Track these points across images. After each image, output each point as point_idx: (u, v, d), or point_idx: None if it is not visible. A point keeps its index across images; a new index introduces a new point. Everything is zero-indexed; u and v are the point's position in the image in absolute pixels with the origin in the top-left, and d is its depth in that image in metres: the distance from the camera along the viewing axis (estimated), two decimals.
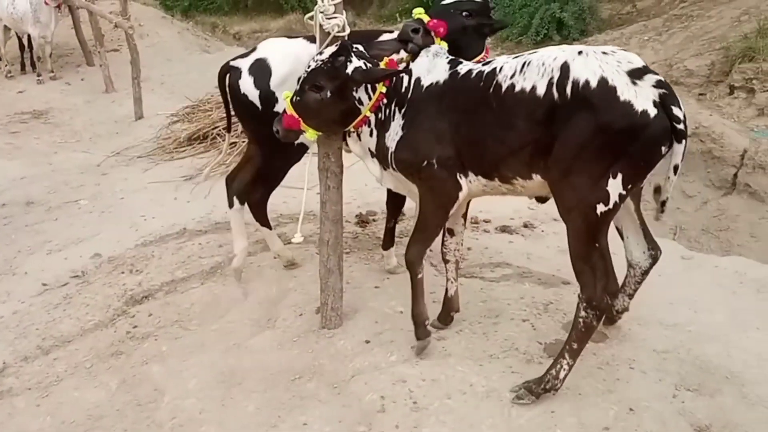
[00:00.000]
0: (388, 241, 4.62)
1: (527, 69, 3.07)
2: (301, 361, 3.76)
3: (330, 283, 3.94)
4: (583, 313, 3.18)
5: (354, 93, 3.46)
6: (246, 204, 4.60)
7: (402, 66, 3.52)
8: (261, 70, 4.19)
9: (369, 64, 3.43)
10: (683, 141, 2.90)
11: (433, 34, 3.60)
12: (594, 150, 2.91)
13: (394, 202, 4.53)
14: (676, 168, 2.97)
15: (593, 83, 2.87)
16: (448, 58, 3.50)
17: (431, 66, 3.47)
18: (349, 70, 3.38)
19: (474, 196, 3.56)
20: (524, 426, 3.17)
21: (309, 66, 3.44)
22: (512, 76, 3.11)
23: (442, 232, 3.86)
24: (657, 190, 3.15)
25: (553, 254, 4.85)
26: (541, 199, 3.64)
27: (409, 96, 3.47)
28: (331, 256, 3.90)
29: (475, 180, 3.40)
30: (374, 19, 17.73)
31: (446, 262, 3.90)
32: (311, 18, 3.57)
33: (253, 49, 4.38)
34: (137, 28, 10.57)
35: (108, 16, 10.35)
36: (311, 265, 4.54)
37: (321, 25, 3.50)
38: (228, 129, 4.84)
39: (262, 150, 4.40)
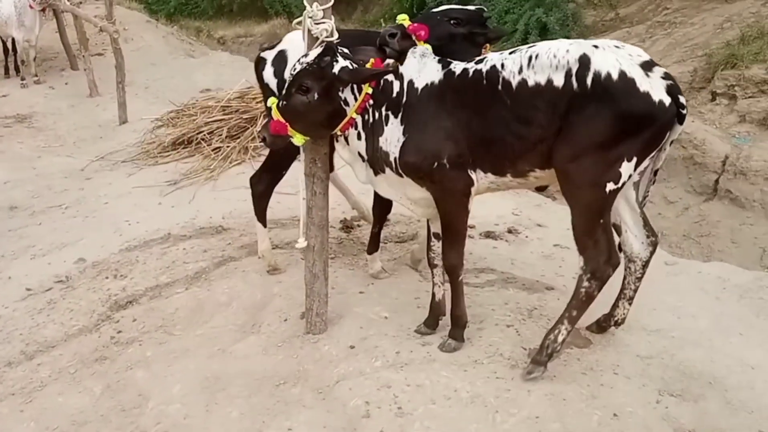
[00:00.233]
0: (373, 245, 4.63)
1: (536, 63, 3.19)
2: (285, 367, 3.76)
3: (315, 288, 3.94)
4: (585, 284, 3.38)
5: (340, 94, 3.46)
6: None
7: (390, 66, 3.53)
8: (281, 61, 4.33)
9: (355, 65, 3.44)
10: (683, 122, 3.22)
11: (414, 37, 3.61)
12: (613, 135, 3.11)
13: (381, 207, 4.55)
14: (671, 141, 3.29)
15: (615, 75, 3.07)
16: (435, 58, 3.53)
17: (421, 66, 3.50)
18: (336, 69, 3.39)
19: (476, 194, 3.57)
20: (509, 431, 3.18)
21: (294, 69, 3.45)
22: (520, 72, 3.22)
23: (428, 236, 3.88)
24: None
25: (537, 260, 4.87)
26: (542, 188, 3.82)
27: (404, 99, 3.48)
28: (317, 261, 3.90)
29: (483, 178, 3.47)
30: (359, 24, 17.75)
31: (433, 266, 3.91)
32: (300, 23, 3.57)
33: (280, 41, 4.49)
34: (122, 32, 10.54)
35: (93, 20, 10.32)
36: (296, 270, 4.53)
37: (309, 30, 3.50)
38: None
39: None
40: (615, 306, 3.80)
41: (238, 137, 7.32)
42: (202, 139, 7.40)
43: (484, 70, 3.35)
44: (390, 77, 3.51)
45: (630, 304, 3.77)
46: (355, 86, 3.48)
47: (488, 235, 5.30)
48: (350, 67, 3.41)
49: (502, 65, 3.29)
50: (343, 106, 3.49)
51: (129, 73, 9.89)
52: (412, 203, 3.71)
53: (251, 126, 7.38)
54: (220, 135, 7.37)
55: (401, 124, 3.48)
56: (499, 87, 3.27)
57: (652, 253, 3.66)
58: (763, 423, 3.29)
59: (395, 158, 3.49)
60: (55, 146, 9.01)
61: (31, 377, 3.92)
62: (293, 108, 3.46)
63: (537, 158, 3.32)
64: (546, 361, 3.45)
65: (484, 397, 3.36)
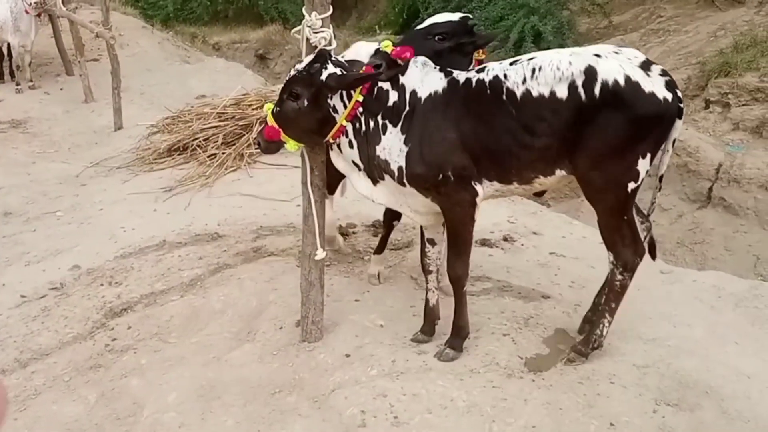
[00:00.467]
0: (381, 247, 4.65)
1: (540, 75, 3.27)
2: (281, 375, 3.75)
3: (311, 296, 3.93)
4: (619, 277, 3.55)
5: (329, 101, 3.47)
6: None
7: (380, 72, 3.51)
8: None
9: (345, 72, 3.45)
10: (682, 116, 3.36)
11: (399, 61, 3.60)
12: (627, 138, 3.25)
13: (392, 212, 4.53)
14: (674, 141, 3.41)
15: (621, 81, 3.18)
16: (437, 67, 3.55)
17: (423, 76, 3.51)
18: (323, 76, 3.40)
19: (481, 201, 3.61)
20: None
21: (288, 75, 3.47)
22: (524, 82, 3.30)
23: (422, 242, 3.89)
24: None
25: (533, 268, 4.87)
26: (540, 194, 3.89)
27: (405, 108, 3.48)
28: (313, 269, 3.90)
29: (489, 185, 3.51)
30: (354, 30, 17.79)
31: (428, 272, 3.91)
32: (298, 32, 3.58)
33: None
34: (117, 38, 10.51)
35: (89, 26, 10.30)
36: (291, 277, 4.52)
37: (308, 39, 3.51)
38: None
39: None
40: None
41: (234, 144, 7.33)
42: (198, 146, 7.40)
43: (486, 80, 3.39)
44: (386, 85, 3.51)
45: None
46: (344, 94, 3.48)
47: (484, 242, 5.30)
48: (338, 73, 3.42)
49: (505, 76, 3.34)
50: (332, 113, 3.49)
51: (124, 78, 9.86)
52: (412, 211, 3.71)
53: (247, 133, 7.38)
54: (216, 141, 7.37)
55: (402, 134, 3.47)
56: (504, 97, 3.32)
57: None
58: None
59: (399, 168, 3.48)
60: (50, 152, 8.98)
61: (25, 385, 3.90)
62: (284, 114, 3.49)
63: (542, 166, 3.42)
64: (589, 353, 3.67)
65: (481, 407, 3.36)
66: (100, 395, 3.76)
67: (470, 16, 4.09)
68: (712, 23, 10.92)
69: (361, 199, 5.68)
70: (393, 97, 3.50)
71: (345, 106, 3.48)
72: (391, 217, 4.65)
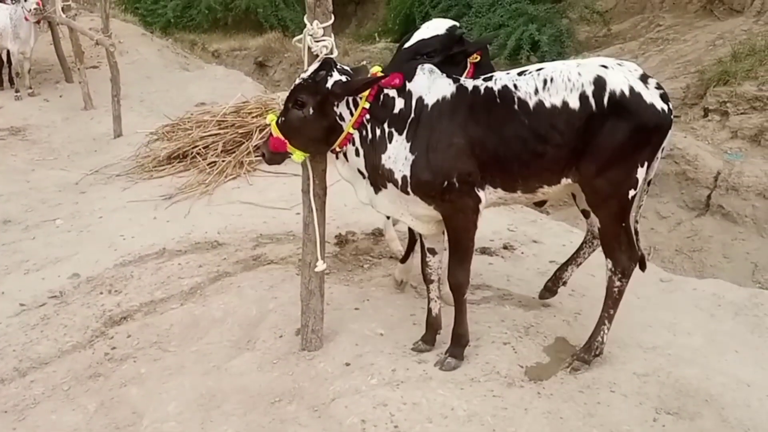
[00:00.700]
0: (407, 256, 4.63)
1: (552, 85, 3.38)
2: (281, 384, 3.74)
3: (311, 305, 3.93)
4: (617, 283, 3.67)
5: (335, 108, 3.46)
6: None
7: (384, 75, 3.52)
8: None
9: (350, 78, 3.45)
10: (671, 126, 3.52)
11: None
12: (630, 147, 3.40)
13: None
14: (663, 149, 3.55)
15: (627, 92, 3.33)
16: (444, 74, 3.56)
17: (430, 83, 3.51)
18: (329, 84, 3.40)
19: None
20: None
21: (293, 84, 3.46)
22: (536, 93, 3.39)
23: (422, 252, 3.89)
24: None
25: (533, 276, 4.87)
26: (541, 203, 4.02)
27: (411, 116, 3.48)
28: (313, 278, 3.89)
29: (492, 192, 3.55)
30: (353, 38, 17.81)
31: (429, 282, 3.91)
32: (300, 41, 3.58)
33: None
34: (117, 45, 10.52)
35: (89, 33, 10.31)
36: (291, 286, 4.52)
37: (309, 48, 3.51)
38: None
39: None
40: (563, 269, 4.29)
41: (234, 152, 7.33)
42: (198, 154, 7.40)
43: (496, 89, 3.45)
44: (392, 92, 3.51)
45: (576, 267, 4.26)
46: (350, 101, 3.48)
47: (484, 251, 5.30)
48: (343, 80, 3.42)
49: (515, 86, 3.42)
50: (339, 121, 3.49)
51: (124, 86, 9.88)
52: (414, 219, 3.70)
53: (247, 140, 7.39)
54: (216, 149, 7.37)
55: (407, 141, 3.47)
56: (516, 107, 3.39)
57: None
58: None
59: (403, 176, 3.48)
60: (49, 159, 8.98)
61: (24, 394, 3.89)
62: (290, 123, 3.47)
63: (549, 175, 3.52)
64: (591, 360, 3.74)
65: (481, 416, 3.35)
66: (99, 404, 3.75)
67: (457, 24, 4.09)
68: (710, 32, 10.94)
69: (361, 207, 5.71)
70: (399, 104, 3.50)
71: (351, 114, 3.48)
72: None
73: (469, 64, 4.08)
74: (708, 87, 9.46)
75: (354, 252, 5.32)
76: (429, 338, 3.94)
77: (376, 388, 3.58)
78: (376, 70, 3.69)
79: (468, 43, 4.05)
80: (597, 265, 4.28)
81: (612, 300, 3.72)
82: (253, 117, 7.74)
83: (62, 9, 10.91)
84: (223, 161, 7.17)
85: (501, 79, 3.50)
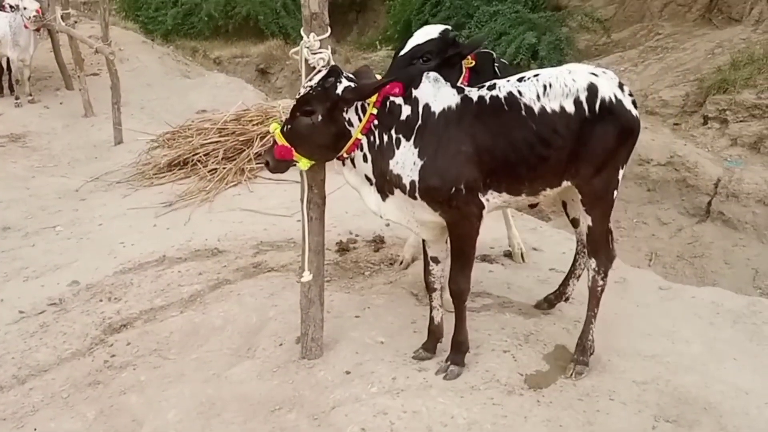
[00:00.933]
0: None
1: (551, 91, 3.54)
2: (281, 392, 3.74)
3: (311, 313, 3.93)
4: (600, 282, 3.87)
5: (344, 114, 3.47)
6: None
7: (393, 78, 3.55)
8: None
9: (358, 84, 3.46)
10: None
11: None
12: (616, 149, 3.64)
13: None
14: None
15: (614, 99, 3.58)
16: (448, 83, 3.61)
17: (436, 91, 3.55)
18: (339, 90, 3.40)
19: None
20: None
21: (299, 94, 3.46)
22: (538, 98, 3.53)
23: (425, 260, 3.90)
24: None
25: (533, 284, 4.87)
26: (533, 206, 4.15)
27: (418, 123, 3.50)
28: (312, 286, 3.89)
29: (497, 197, 3.63)
30: (354, 46, 17.86)
31: (432, 290, 3.91)
32: (297, 53, 3.59)
33: None
34: (117, 53, 10.55)
35: (88, 41, 10.34)
36: (291, 293, 4.52)
37: (306, 60, 3.52)
38: None
39: None
40: (565, 284, 4.43)
41: (234, 159, 7.35)
42: (198, 161, 7.42)
43: (501, 96, 3.54)
44: (398, 99, 3.53)
45: (578, 281, 4.36)
46: (359, 107, 3.49)
47: (484, 258, 5.30)
48: (353, 86, 3.43)
49: (520, 92, 3.55)
50: (348, 126, 3.49)
51: (124, 93, 9.90)
52: (419, 226, 3.71)
53: (247, 148, 7.41)
54: (216, 156, 7.39)
55: (415, 147, 3.49)
56: (523, 112, 3.52)
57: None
58: None
59: (411, 182, 3.49)
60: (49, 166, 8.99)
61: (23, 402, 3.89)
62: (298, 131, 3.46)
63: (552, 177, 3.67)
64: (588, 360, 3.85)
65: (481, 424, 3.35)
66: (98, 412, 3.74)
67: (449, 27, 4.12)
68: (709, 41, 10.97)
69: (362, 214, 5.72)
70: (406, 111, 3.52)
71: (360, 120, 3.49)
72: None
73: (464, 69, 4.10)
74: (707, 95, 9.49)
75: (355, 259, 5.32)
76: (430, 346, 3.94)
77: (377, 397, 3.58)
78: None
79: (462, 46, 4.06)
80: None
81: (596, 300, 3.89)
82: (253, 125, 7.75)
83: (62, 17, 10.94)
84: (223, 168, 7.19)
85: (504, 86, 3.58)
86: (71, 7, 13.53)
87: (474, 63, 4.16)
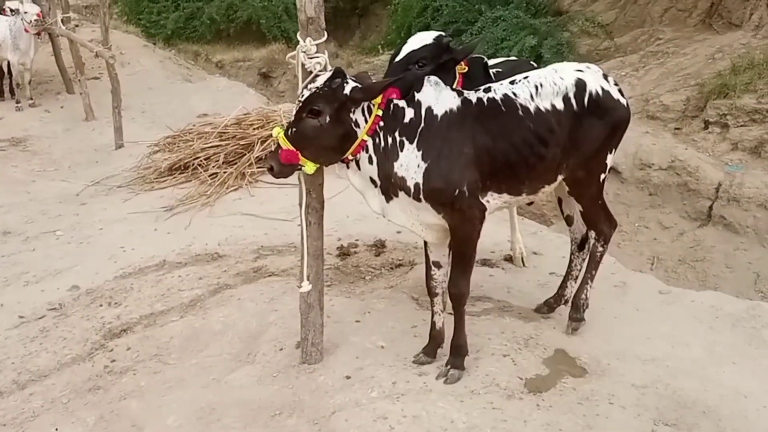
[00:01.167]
0: None
1: (542, 90, 3.70)
2: (281, 397, 3.74)
3: (311, 318, 3.93)
4: (600, 249, 4.21)
5: (351, 115, 3.46)
6: None
7: (401, 77, 3.59)
8: None
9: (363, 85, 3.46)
10: None
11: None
12: (603, 139, 3.84)
13: None
14: None
15: (600, 92, 3.78)
16: (448, 86, 3.65)
17: (437, 94, 3.57)
18: (347, 90, 3.39)
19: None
20: None
21: (302, 95, 3.43)
22: (532, 99, 3.67)
23: (427, 265, 3.90)
24: None
25: (534, 288, 4.88)
26: (530, 203, 4.21)
27: (421, 125, 3.51)
28: (312, 291, 3.89)
29: (497, 198, 3.69)
30: (356, 50, 17.84)
31: (434, 295, 3.91)
32: (293, 57, 3.59)
33: None
34: (119, 57, 10.56)
35: (89, 46, 10.34)
36: (291, 298, 4.52)
37: (303, 64, 3.52)
38: None
39: None
40: (563, 286, 4.50)
41: (235, 163, 7.35)
42: (199, 165, 7.42)
43: (498, 98, 3.62)
44: (402, 102, 3.54)
45: (576, 282, 4.42)
46: (365, 108, 3.48)
47: (484, 262, 5.31)
48: (360, 86, 3.42)
49: (515, 93, 3.67)
50: (354, 128, 3.48)
51: (125, 97, 9.90)
52: (424, 228, 3.71)
53: (248, 152, 7.41)
54: (217, 161, 7.40)
55: (418, 150, 3.50)
56: (520, 113, 3.63)
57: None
58: None
59: (416, 184, 3.50)
60: (49, 170, 9.00)
61: (23, 407, 3.88)
62: (304, 133, 3.41)
63: (549, 174, 3.80)
64: (583, 317, 4.23)
65: (481, 428, 3.36)
66: (99, 418, 3.74)
67: (443, 33, 4.12)
68: (710, 46, 10.96)
69: (363, 218, 5.73)
70: (409, 114, 3.53)
71: (366, 121, 3.49)
72: None
73: (457, 74, 4.12)
74: (708, 100, 9.48)
75: (356, 264, 5.32)
76: (430, 350, 3.95)
77: (377, 401, 3.58)
78: None
79: (456, 51, 4.08)
80: (597, 278, 4.30)
81: (594, 263, 4.24)
82: (254, 129, 7.76)
83: (62, 21, 10.97)
84: (224, 172, 7.19)
85: (499, 89, 3.67)
86: (72, 10, 13.55)
87: (467, 69, 4.17)
